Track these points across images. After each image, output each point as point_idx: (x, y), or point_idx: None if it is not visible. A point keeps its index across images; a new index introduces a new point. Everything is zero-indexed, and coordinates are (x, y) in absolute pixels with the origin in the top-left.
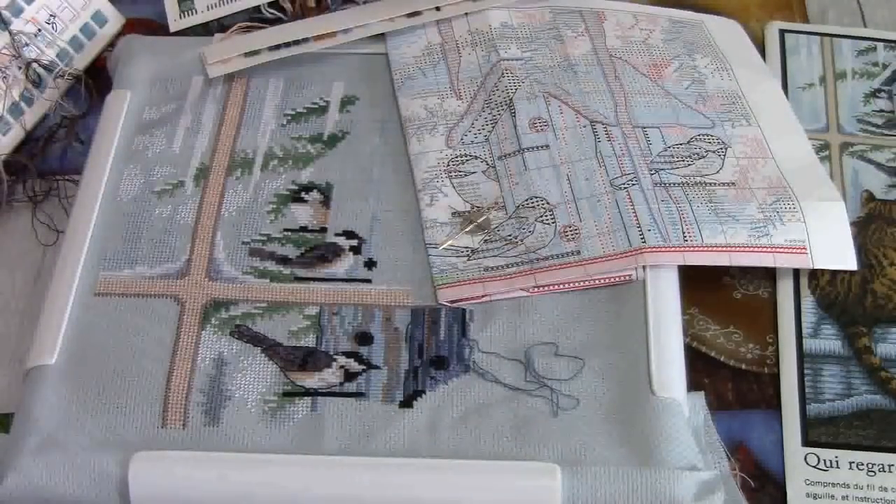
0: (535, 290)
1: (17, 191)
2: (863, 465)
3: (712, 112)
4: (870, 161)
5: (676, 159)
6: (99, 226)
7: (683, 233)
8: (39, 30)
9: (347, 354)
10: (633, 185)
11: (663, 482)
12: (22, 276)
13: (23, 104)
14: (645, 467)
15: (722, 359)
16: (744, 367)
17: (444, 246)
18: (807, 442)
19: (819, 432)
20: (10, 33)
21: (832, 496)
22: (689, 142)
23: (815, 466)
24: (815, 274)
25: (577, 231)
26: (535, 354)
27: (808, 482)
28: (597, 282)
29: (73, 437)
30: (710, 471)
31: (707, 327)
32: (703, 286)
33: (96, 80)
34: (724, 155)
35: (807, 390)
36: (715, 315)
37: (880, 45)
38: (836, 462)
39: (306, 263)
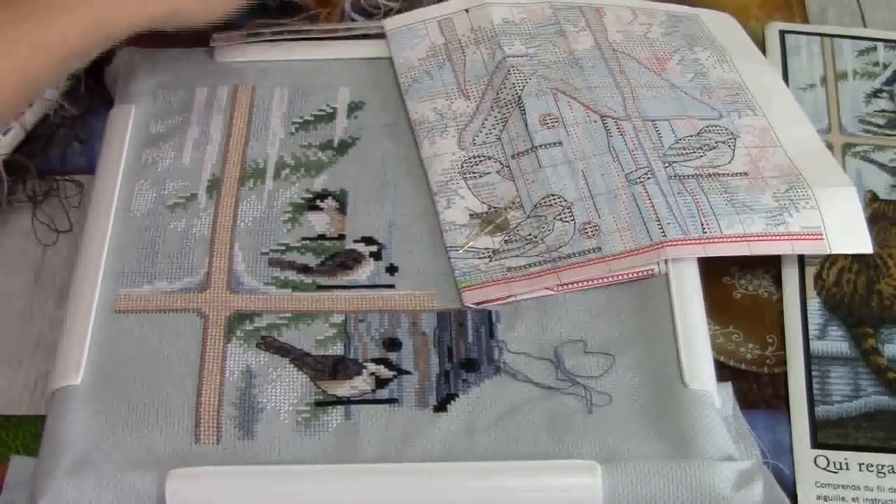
0: (560, 287)
1: (17, 191)
2: (872, 466)
3: (718, 103)
4: (872, 161)
5: (688, 151)
6: (114, 242)
7: (702, 224)
8: None
9: (377, 361)
10: (649, 178)
11: (702, 474)
12: (22, 276)
13: None
14: (683, 460)
15: (722, 359)
16: (743, 367)
17: (465, 248)
18: (816, 444)
19: (828, 434)
20: None
21: (843, 498)
22: (698, 133)
23: (825, 469)
24: (820, 275)
25: (596, 227)
26: (564, 352)
27: (818, 484)
28: (620, 277)
29: (105, 456)
30: (748, 460)
31: (707, 327)
32: (703, 286)
33: (96, 80)
34: (734, 145)
35: (815, 392)
36: (715, 315)
37: (880, 44)
38: (846, 464)
39: (327, 271)
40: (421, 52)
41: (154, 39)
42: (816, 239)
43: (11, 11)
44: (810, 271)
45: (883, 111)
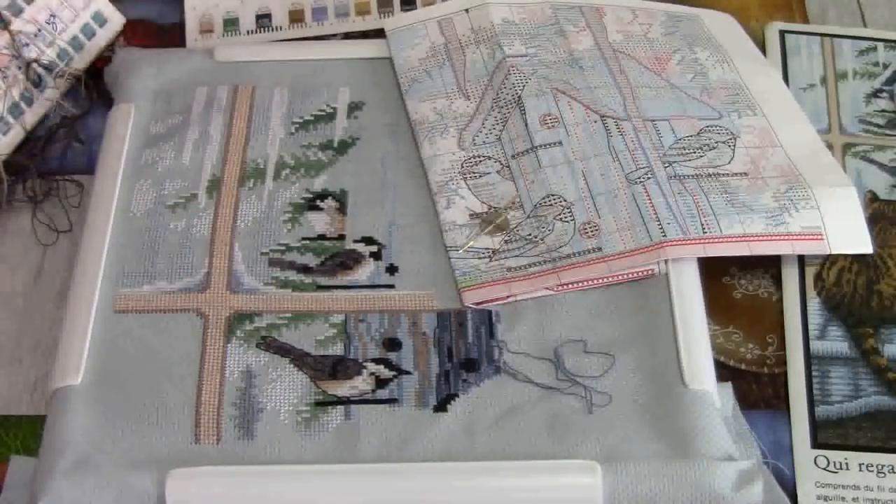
0: (560, 287)
1: (17, 191)
2: (872, 466)
3: (718, 103)
4: (872, 161)
5: (688, 151)
6: (114, 242)
7: (702, 225)
8: (39, 30)
9: (377, 361)
10: (649, 178)
11: (702, 474)
12: (22, 276)
13: (23, 104)
14: (683, 460)
15: (722, 359)
16: (743, 367)
17: (465, 248)
18: (816, 444)
19: (828, 434)
20: (10, 33)
21: (843, 498)
22: (698, 133)
23: (825, 469)
24: (820, 275)
25: (596, 227)
26: (564, 353)
27: (818, 484)
28: (620, 277)
29: (105, 457)
30: (748, 460)
31: (707, 327)
32: (703, 286)
33: (96, 80)
34: (734, 145)
35: (815, 392)
36: (715, 315)
37: (880, 44)
38: (846, 464)
39: (327, 271)
40: (421, 52)
41: (154, 39)
42: (816, 239)
43: None
44: (810, 271)
45: (883, 111)
